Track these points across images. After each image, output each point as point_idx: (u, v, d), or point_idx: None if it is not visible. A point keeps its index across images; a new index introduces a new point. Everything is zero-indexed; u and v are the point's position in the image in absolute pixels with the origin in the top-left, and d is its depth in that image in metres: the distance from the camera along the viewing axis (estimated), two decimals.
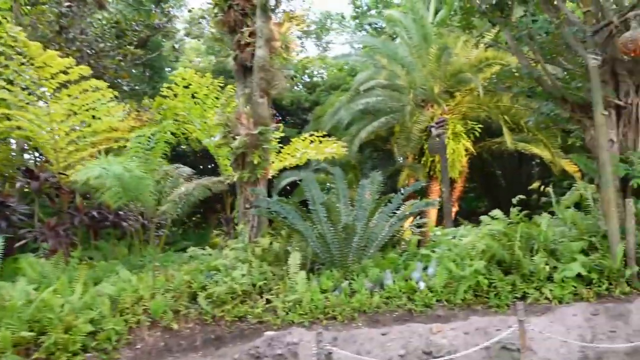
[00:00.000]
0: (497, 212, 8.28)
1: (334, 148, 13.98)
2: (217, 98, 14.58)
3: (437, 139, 11.47)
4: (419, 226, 10.61)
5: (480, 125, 15.54)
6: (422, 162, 16.14)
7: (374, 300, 7.42)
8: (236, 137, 10.80)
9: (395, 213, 9.05)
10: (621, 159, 8.18)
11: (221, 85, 14.68)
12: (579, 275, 7.36)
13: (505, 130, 14.34)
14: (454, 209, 18.22)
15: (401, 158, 16.11)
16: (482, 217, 8.58)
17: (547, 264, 7.52)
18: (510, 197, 8.66)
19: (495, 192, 20.27)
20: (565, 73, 9.74)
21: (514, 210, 8.09)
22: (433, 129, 11.73)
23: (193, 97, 14.41)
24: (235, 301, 7.70)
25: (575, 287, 7.29)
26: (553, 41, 9.11)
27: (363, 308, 7.39)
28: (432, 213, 15.87)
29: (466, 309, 7.36)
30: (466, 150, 16.00)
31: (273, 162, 12.90)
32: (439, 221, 14.45)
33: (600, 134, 7.74)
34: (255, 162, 10.31)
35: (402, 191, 9.33)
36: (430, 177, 16.03)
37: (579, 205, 8.97)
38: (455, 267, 7.55)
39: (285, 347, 6.73)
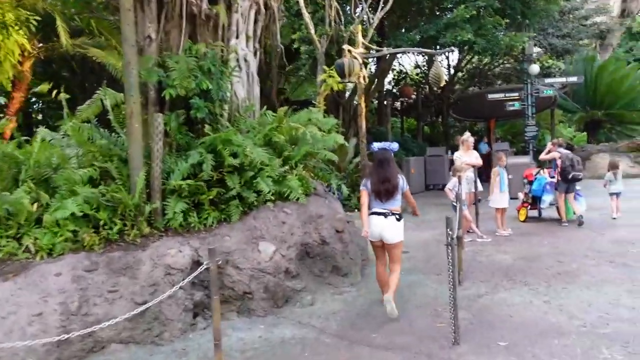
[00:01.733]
0: None
1: None
2: None
3: None
4: None
5: (37, 18, 11.88)
6: None
7: None
8: None
9: None
10: (159, 63, 6.36)
11: None
12: (84, 216, 5.26)
13: (60, 28, 11.12)
14: (12, 125, 14.43)
15: None
16: None
17: (36, 202, 5.16)
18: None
19: None
20: None
21: None
22: None
23: None
24: None
25: (75, 232, 5.16)
26: None
27: None
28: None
29: None
30: (28, 52, 12.37)
31: None
32: None
33: (125, 21, 5.61)
34: None
35: None
36: None
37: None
38: None
39: None
